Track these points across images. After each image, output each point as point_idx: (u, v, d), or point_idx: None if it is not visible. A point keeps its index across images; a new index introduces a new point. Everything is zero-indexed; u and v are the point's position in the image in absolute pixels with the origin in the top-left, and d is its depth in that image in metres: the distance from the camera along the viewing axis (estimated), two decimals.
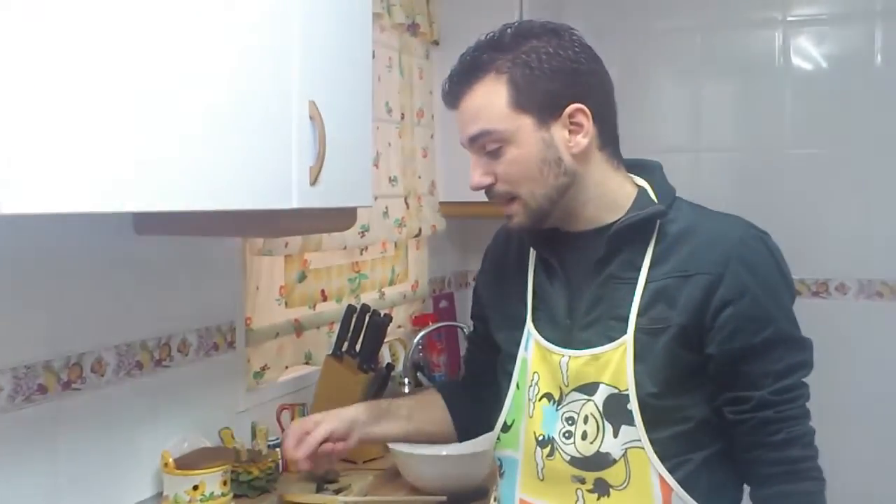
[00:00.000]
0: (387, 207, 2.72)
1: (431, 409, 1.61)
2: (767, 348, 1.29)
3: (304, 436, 1.46)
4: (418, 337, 2.75)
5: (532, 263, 1.45)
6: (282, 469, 2.12)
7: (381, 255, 2.86)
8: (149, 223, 1.74)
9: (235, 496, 1.89)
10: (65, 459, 1.65)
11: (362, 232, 2.52)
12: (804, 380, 1.31)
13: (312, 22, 1.62)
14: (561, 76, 1.31)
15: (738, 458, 1.33)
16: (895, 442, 3.11)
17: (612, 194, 1.37)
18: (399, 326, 2.90)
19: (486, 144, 1.33)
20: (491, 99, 1.32)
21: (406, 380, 2.59)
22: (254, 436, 2.10)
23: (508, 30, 1.35)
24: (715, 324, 1.28)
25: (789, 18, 3.29)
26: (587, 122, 1.32)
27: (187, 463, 1.81)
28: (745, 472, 1.34)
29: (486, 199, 1.39)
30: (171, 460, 1.80)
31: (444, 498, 1.92)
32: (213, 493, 1.80)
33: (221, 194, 1.40)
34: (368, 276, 2.76)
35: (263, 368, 2.22)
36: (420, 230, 2.91)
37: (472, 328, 1.66)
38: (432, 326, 2.87)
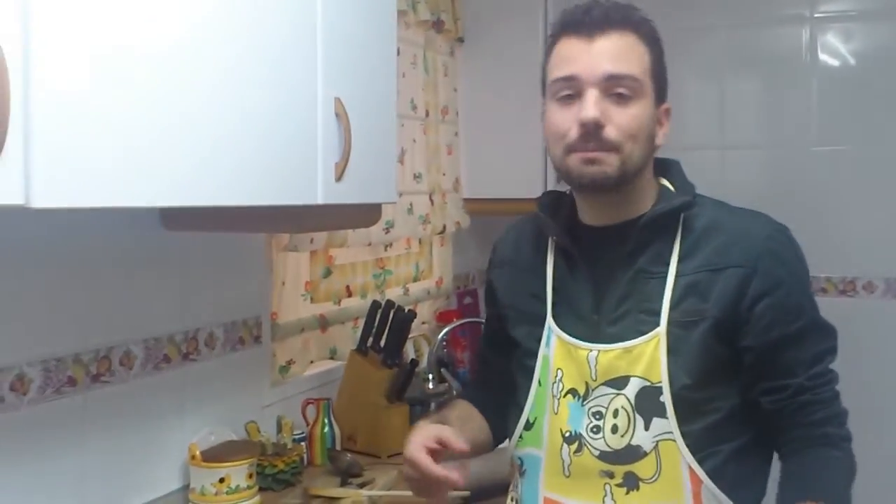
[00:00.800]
0: (411, 204, 2.73)
1: (472, 419, 1.56)
2: (802, 337, 1.32)
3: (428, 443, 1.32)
4: (442, 333, 2.76)
5: (551, 258, 1.45)
6: (306, 462, 2.14)
7: (405, 252, 2.87)
8: (177, 219, 1.76)
9: (261, 489, 1.90)
10: (93, 451, 1.68)
11: (387, 228, 2.53)
12: (831, 366, 1.35)
13: (337, 19, 1.63)
14: (666, 73, 1.39)
15: (774, 440, 1.35)
16: None
17: (643, 192, 1.39)
18: (423, 322, 2.91)
19: (621, 88, 1.31)
20: (638, 51, 1.34)
21: (430, 376, 2.60)
22: (279, 429, 2.11)
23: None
24: (751, 316, 1.31)
25: (817, 15, 3.26)
26: (667, 124, 1.39)
27: (214, 456, 1.83)
28: (781, 447, 1.35)
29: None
30: (197, 453, 1.82)
31: (467, 493, 1.93)
32: (238, 485, 1.82)
33: (248, 191, 1.42)
34: (393, 272, 2.78)
35: (289, 363, 2.24)
36: (444, 227, 2.92)
37: (485, 332, 1.63)
38: (456, 323, 2.88)
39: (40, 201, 1.05)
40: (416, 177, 2.78)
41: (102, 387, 1.69)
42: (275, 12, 1.47)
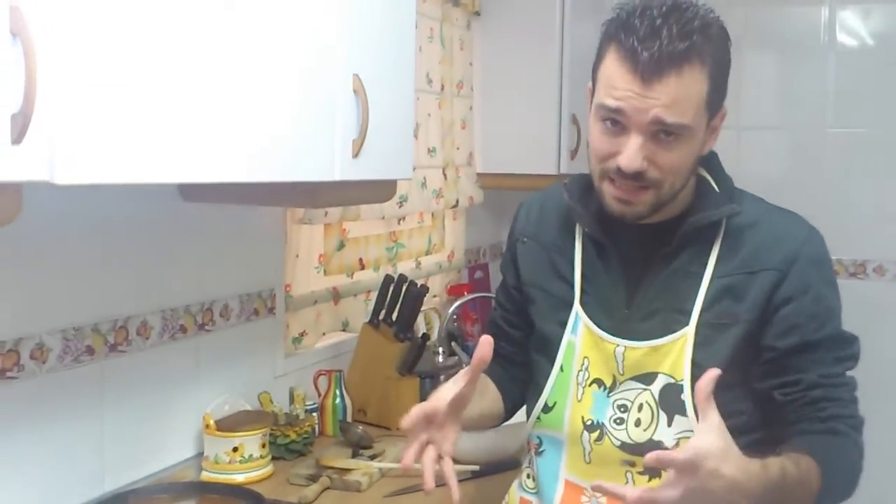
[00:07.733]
0: (425, 178, 2.73)
1: (487, 391, 1.54)
2: (821, 344, 1.31)
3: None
4: (453, 307, 2.77)
5: (579, 242, 1.43)
6: (318, 433, 2.17)
7: (418, 225, 2.88)
8: (195, 191, 1.77)
9: (273, 458, 1.94)
10: (110, 418, 1.70)
11: (400, 202, 2.54)
12: (850, 373, 1.34)
13: None
14: (727, 78, 1.30)
15: (782, 432, 1.32)
16: None
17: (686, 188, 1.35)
18: (434, 296, 2.92)
19: (670, 133, 1.23)
20: (693, 90, 1.22)
21: (440, 349, 2.62)
22: (291, 400, 2.14)
23: (701, 10, 1.25)
24: (775, 318, 1.30)
25: None
26: (721, 126, 1.32)
27: (227, 425, 1.86)
28: (788, 437, 1.32)
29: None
30: (212, 422, 1.85)
31: (476, 467, 1.95)
32: (251, 455, 1.85)
33: (266, 167, 1.43)
34: (405, 246, 2.79)
35: (302, 334, 2.26)
36: (457, 201, 2.93)
37: (499, 301, 1.60)
38: (467, 297, 2.89)
39: (64, 178, 1.06)
40: (431, 151, 2.79)
41: (120, 356, 1.71)
42: None
